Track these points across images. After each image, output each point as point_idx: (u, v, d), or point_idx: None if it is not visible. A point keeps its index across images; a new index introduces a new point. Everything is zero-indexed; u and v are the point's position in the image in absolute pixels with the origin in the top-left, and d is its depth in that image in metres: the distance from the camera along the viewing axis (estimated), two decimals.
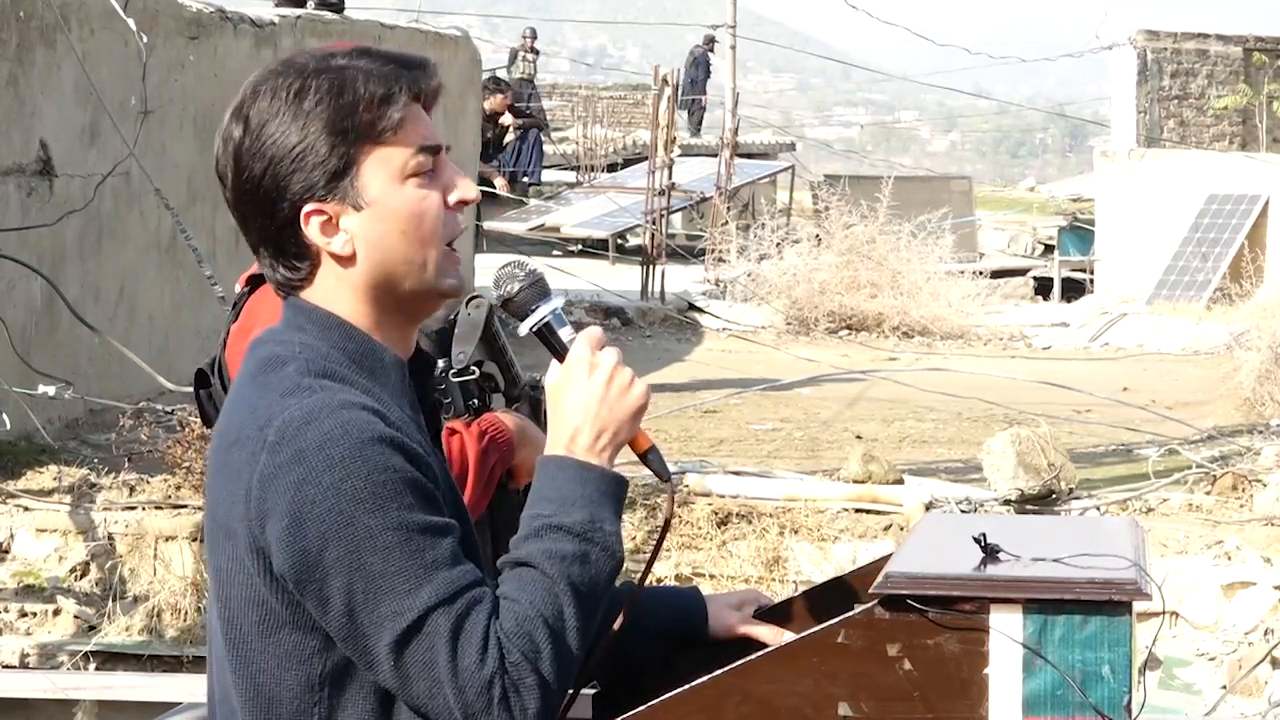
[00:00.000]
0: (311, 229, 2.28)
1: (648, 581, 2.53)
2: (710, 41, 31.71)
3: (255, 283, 3.33)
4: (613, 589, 2.32)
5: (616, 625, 2.38)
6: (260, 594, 2.21)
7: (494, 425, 3.54)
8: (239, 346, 3.27)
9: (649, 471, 2.41)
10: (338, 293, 2.31)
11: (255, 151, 2.28)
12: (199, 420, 8.49)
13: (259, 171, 2.28)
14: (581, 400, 2.30)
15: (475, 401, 3.64)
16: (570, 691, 2.28)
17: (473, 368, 3.63)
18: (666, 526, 2.52)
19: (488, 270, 4.68)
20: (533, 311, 2.37)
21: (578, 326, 2.37)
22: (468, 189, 2.34)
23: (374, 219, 2.28)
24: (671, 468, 2.36)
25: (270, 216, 2.30)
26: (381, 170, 2.28)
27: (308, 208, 2.28)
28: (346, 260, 2.29)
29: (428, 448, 2.27)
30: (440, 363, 3.49)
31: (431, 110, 2.34)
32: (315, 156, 2.26)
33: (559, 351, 2.35)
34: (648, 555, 7.82)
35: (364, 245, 2.28)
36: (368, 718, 2.22)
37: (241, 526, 2.21)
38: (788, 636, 2.41)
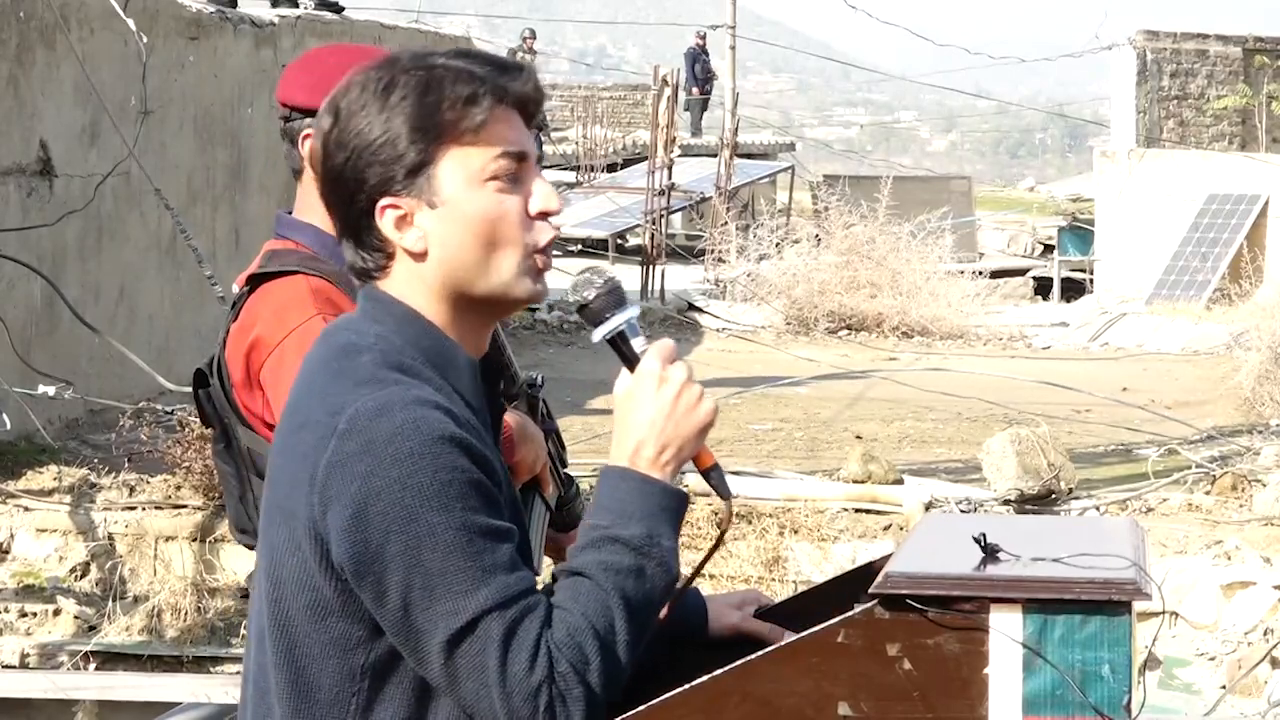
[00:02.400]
0: (385, 222, 2.29)
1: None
2: (702, 37, 31.75)
3: (255, 282, 3.33)
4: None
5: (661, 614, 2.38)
6: (313, 579, 2.22)
7: None
8: (239, 345, 3.27)
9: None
10: (412, 287, 2.31)
11: (340, 141, 2.29)
12: (199, 420, 8.51)
13: (341, 161, 2.29)
14: (648, 414, 2.29)
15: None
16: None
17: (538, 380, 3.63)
18: (720, 540, 2.51)
19: None
20: (606, 320, 2.36)
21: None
22: (549, 199, 2.32)
23: (446, 218, 2.28)
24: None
25: (349, 205, 2.30)
26: (459, 170, 2.28)
27: (383, 201, 2.28)
28: (419, 256, 2.29)
29: (493, 451, 2.28)
30: None
31: (531, 117, 2.34)
32: (394, 150, 2.27)
33: (630, 361, 2.34)
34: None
35: (436, 243, 2.29)
36: (404, 712, 2.23)
37: (303, 509, 2.21)
38: (788, 636, 2.41)
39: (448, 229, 2.28)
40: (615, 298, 2.37)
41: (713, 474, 2.37)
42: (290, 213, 3.45)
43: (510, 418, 3.63)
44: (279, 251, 3.36)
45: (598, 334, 2.37)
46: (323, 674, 2.24)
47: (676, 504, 2.29)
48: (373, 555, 2.16)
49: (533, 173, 2.34)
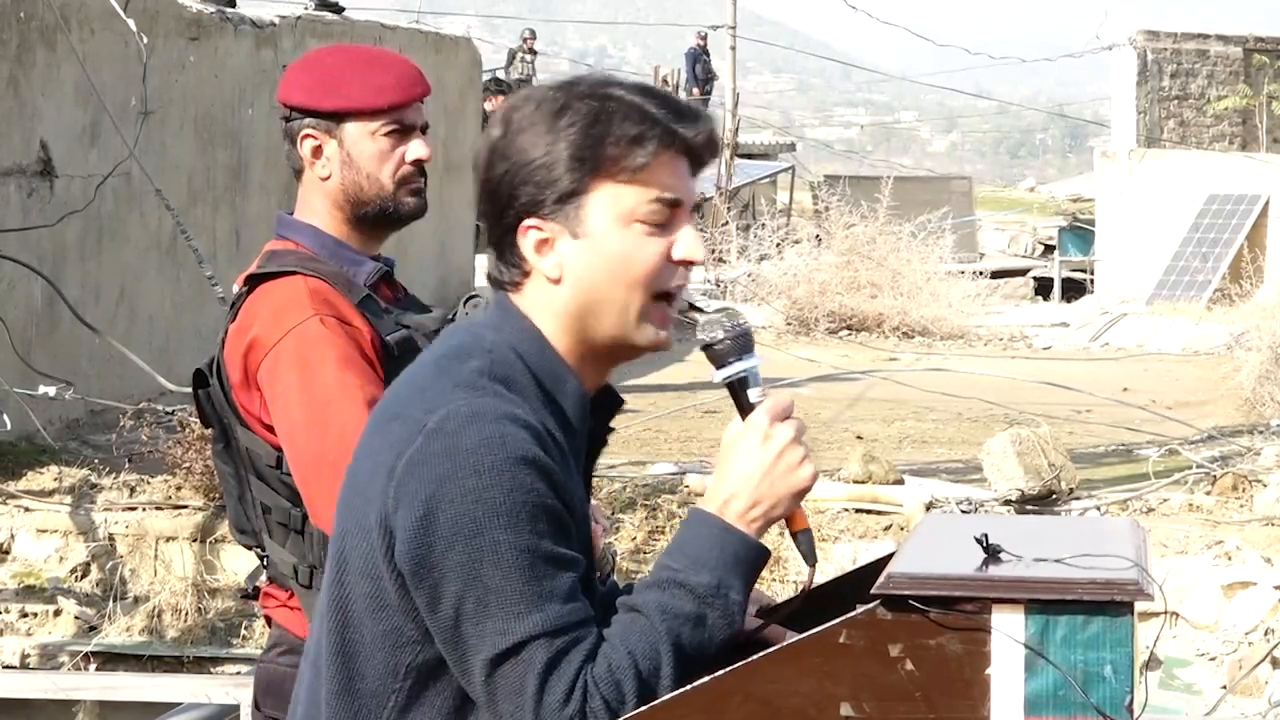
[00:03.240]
0: (526, 242, 2.30)
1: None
2: (703, 37, 31.77)
3: (254, 282, 3.32)
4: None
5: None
6: (377, 568, 2.23)
7: None
8: (237, 346, 3.26)
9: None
10: (540, 308, 2.32)
11: (503, 154, 2.30)
12: (198, 421, 8.51)
13: (500, 173, 2.30)
14: (747, 467, 2.30)
15: None
16: None
17: None
18: (802, 596, 2.50)
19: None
20: (729, 364, 2.37)
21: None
22: (695, 249, 2.32)
23: (587, 250, 2.29)
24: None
25: (498, 218, 2.32)
26: (610, 207, 2.28)
27: (528, 221, 2.29)
28: (554, 282, 2.30)
29: (575, 481, 2.28)
30: None
31: (699, 165, 2.33)
32: (550, 174, 2.27)
33: (744, 409, 2.36)
34: (646, 554, 7.81)
35: (571, 273, 2.29)
36: (440, 718, 2.24)
37: (378, 500, 2.22)
38: (790, 636, 2.41)
39: (586, 261, 2.29)
40: (742, 343, 2.39)
41: (801, 538, 2.39)
42: (291, 213, 3.44)
43: None
44: (278, 252, 3.35)
45: (718, 376, 2.39)
46: (369, 664, 2.25)
47: (754, 558, 2.30)
48: (434, 561, 2.17)
49: (685, 220, 2.33)
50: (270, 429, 3.21)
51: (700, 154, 2.33)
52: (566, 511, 2.22)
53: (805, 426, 2.36)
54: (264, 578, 3.36)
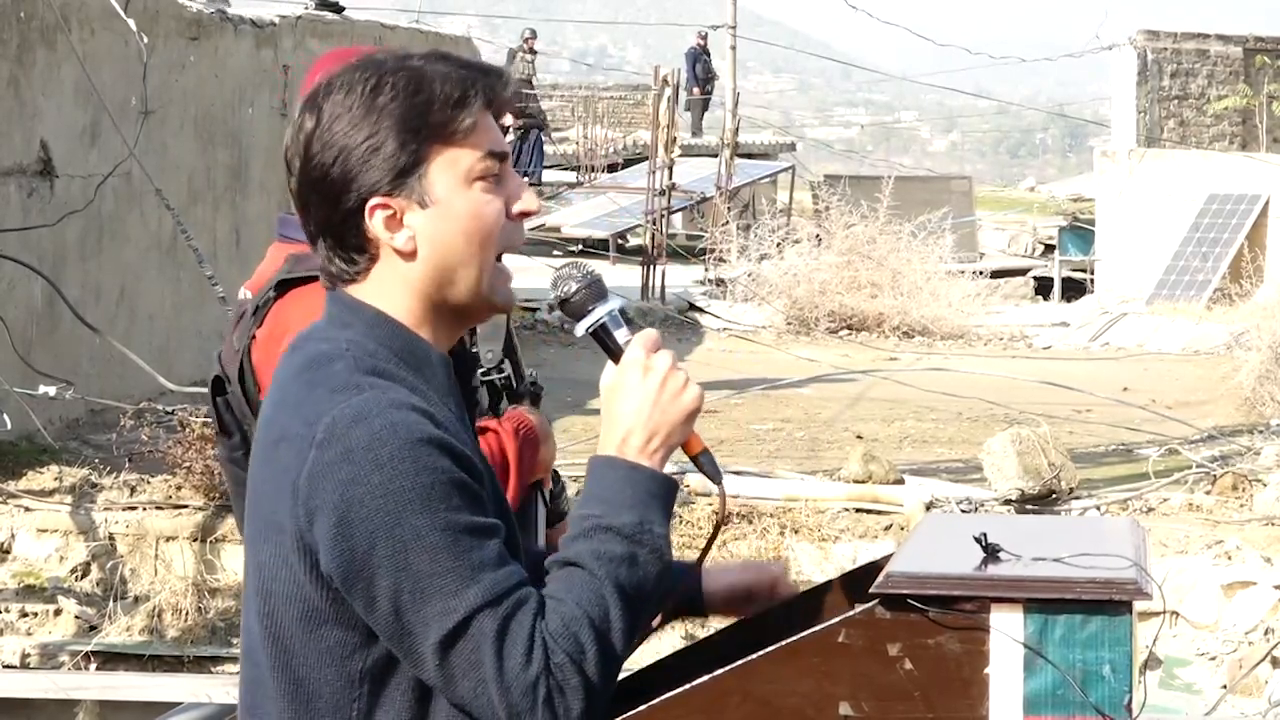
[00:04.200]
0: (375, 222, 2.30)
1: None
2: (703, 37, 31.76)
3: (283, 288, 3.30)
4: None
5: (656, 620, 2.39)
6: (304, 590, 2.22)
7: (523, 422, 3.55)
8: (269, 352, 3.23)
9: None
10: (391, 288, 2.32)
11: (327, 142, 2.29)
12: (201, 422, 8.52)
13: (329, 161, 2.29)
14: (634, 402, 2.30)
15: (504, 401, 3.65)
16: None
17: (503, 366, 3.64)
18: (719, 526, 2.52)
19: None
20: (590, 312, 2.38)
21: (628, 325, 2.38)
22: (530, 200, 2.35)
23: (438, 218, 2.30)
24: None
25: (335, 207, 2.31)
26: (449, 170, 2.29)
27: (373, 201, 2.29)
28: (407, 256, 2.30)
29: (473, 447, 2.29)
30: None
31: (500, 119, 2.36)
32: (386, 151, 2.28)
33: (614, 353, 2.35)
34: None
35: (426, 243, 2.30)
36: (405, 714, 2.23)
37: (289, 523, 2.22)
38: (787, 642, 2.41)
39: (439, 228, 2.29)
40: (596, 291, 2.39)
41: (702, 458, 2.38)
42: (293, 214, 3.43)
43: (533, 416, 3.64)
44: (303, 256, 3.33)
45: (580, 327, 2.38)
46: (322, 683, 2.24)
47: (666, 491, 2.29)
48: (360, 562, 2.17)
49: (512, 174, 2.36)
50: None
51: (505, 106, 2.36)
52: (475, 480, 2.22)
53: (677, 355, 2.36)
54: None
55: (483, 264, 2.31)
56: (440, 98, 2.28)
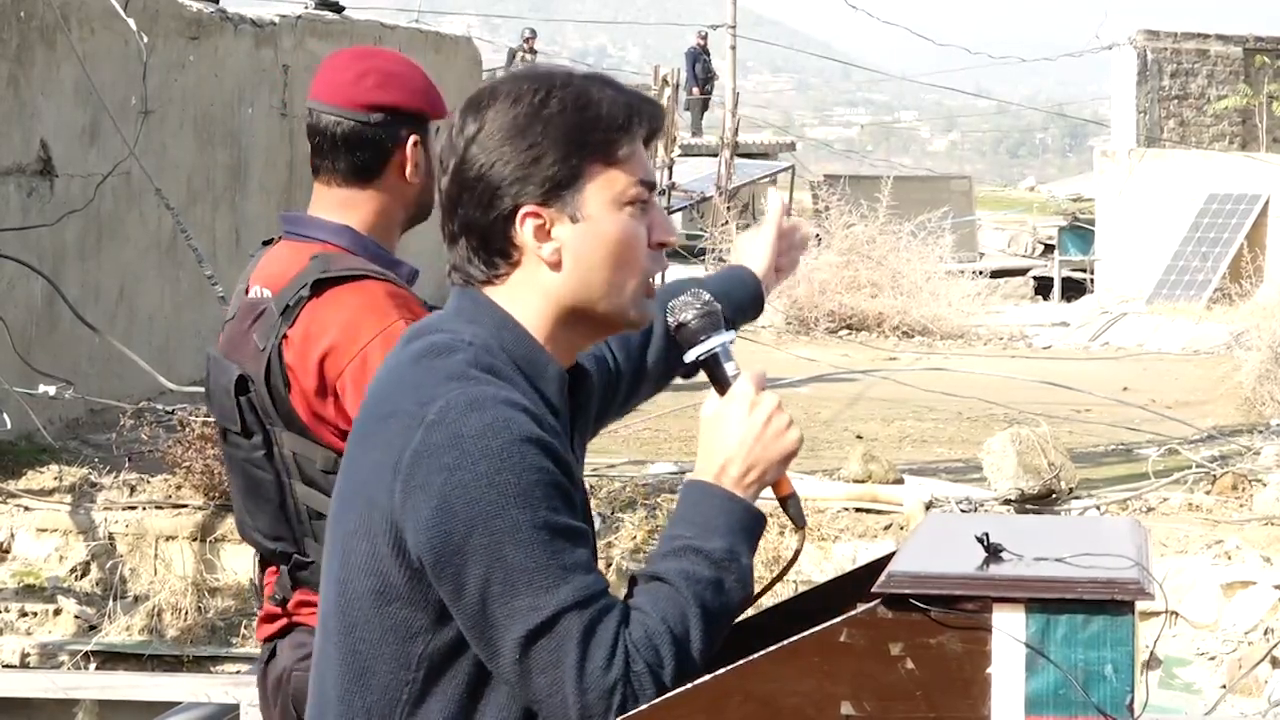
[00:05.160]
0: (525, 230, 2.32)
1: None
2: (703, 37, 31.78)
3: (319, 287, 3.27)
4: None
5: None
6: (383, 564, 2.24)
7: None
8: (306, 352, 3.20)
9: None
10: (526, 295, 2.35)
11: (488, 145, 2.32)
12: (201, 422, 8.51)
13: (488, 164, 2.32)
14: (739, 434, 2.35)
15: None
16: None
17: None
18: (791, 564, 2.56)
19: None
20: (701, 341, 2.42)
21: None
22: (670, 232, 2.41)
23: (586, 234, 2.33)
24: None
25: (486, 210, 2.33)
26: (605, 191, 2.33)
27: (526, 208, 2.31)
28: (552, 267, 2.33)
29: (574, 458, 2.32)
30: None
31: (652, 151, 2.42)
32: (546, 161, 2.30)
33: (721, 384, 2.40)
34: (646, 554, 7.80)
35: (571, 257, 2.33)
36: (455, 706, 2.25)
37: (383, 496, 2.23)
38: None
39: (586, 244, 2.33)
40: (712, 320, 2.43)
41: (790, 502, 2.44)
42: (296, 212, 3.43)
43: None
44: (333, 255, 3.31)
45: (691, 354, 2.43)
46: (379, 659, 2.26)
47: (757, 524, 2.34)
48: (455, 548, 2.19)
49: (657, 205, 2.41)
50: (344, 435, 3.16)
51: (655, 138, 2.41)
52: (573, 487, 2.25)
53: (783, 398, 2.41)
54: (287, 586, 3.33)
55: (623, 286, 2.35)
56: (606, 119, 2.32)
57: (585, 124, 2.31)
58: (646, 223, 2.36)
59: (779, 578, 2.52)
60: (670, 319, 2.45)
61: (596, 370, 2.61)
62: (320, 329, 3.22)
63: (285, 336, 3.25)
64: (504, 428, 2.20)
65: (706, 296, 2.44)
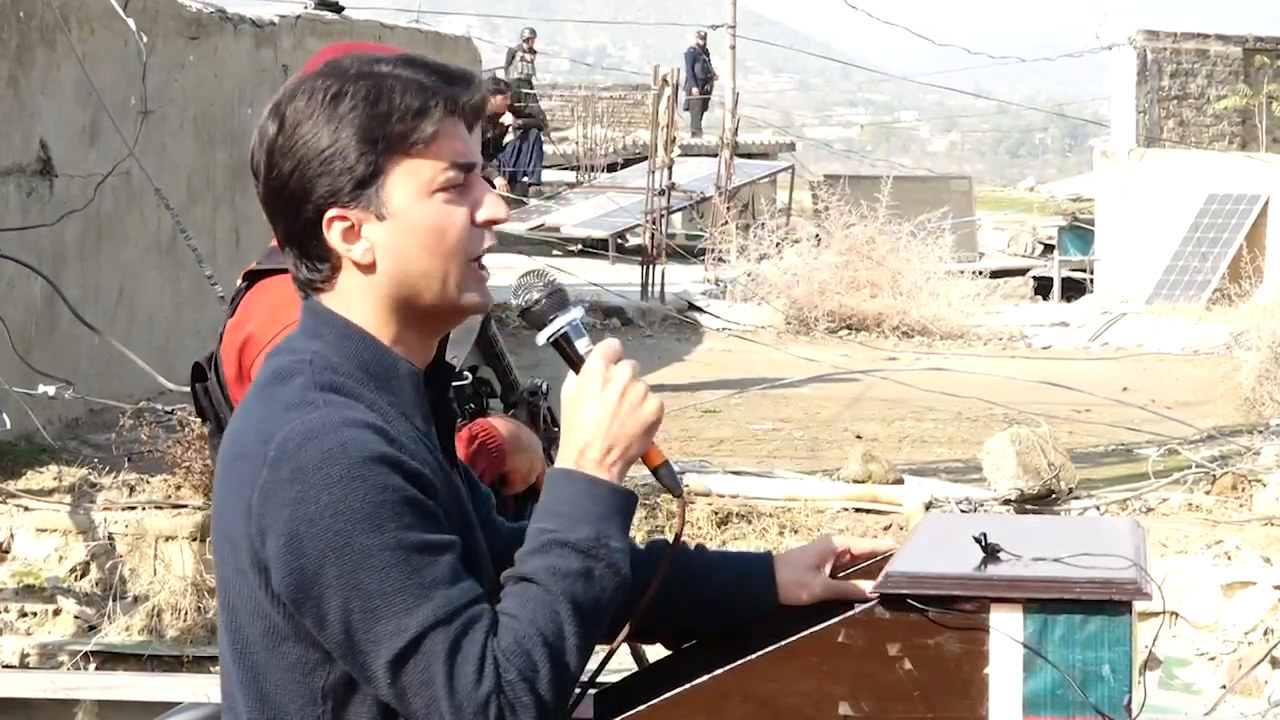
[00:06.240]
0: (333, 234, 2.28)
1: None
2: (703, 37, 31.77)
3: (252, 278, 3.33)
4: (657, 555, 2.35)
5: (650, 591, 2.36)
6: (263, 607, 2.22)
7: (485, 430, 3.55)
8: (233, 340, 3.29)
9: (642, 479, 2.40)
10: (357, 299, 2.30)
11: (286, 150, 2.27)
12: (198, 418, 8.51)
13: (288, 170, 2.27)
14: (593, 414, 2.28)
15: (471, 406, 3.63)
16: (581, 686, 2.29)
17: (466, 373, 3.63)
18: (678, 540, 2.48)
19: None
20: (550, 322, 2.35)
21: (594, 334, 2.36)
22: (497, 208, 2.32)
23: (396, 230, 2.27)
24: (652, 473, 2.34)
25: (295, 216, 2.29)
26: (409, 182, 2.27)
27: (331, 212, 2.27)
28: (366, 268, 2.28)
29: (433, 463, 2.26)
30: None
31: (473, 127, 2.33)
32: (343, 162, 2.25)
33: (575, 363, 2.33)
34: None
35: (384, 255, 2.28)
36: None
37: (244, 540, 2.21)
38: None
39: (396, 240, 2.27)
40: (557, 300, 2.36)
41: (662, 471, 2.36)
42: None
43: (504, 426, 3.63)
44: (276, 250, 3.36)
45: (542, 337, 2.36)
46: (288, 699, 2.24)
47: (624, 504, 2.27)
48: (310, 581, 2.16)
49: (478, 182, 2.32)
50: None
51: (475, 115, 2.32)
52: (429, 496, 2.20)
53: (638, 365, 2.33)
54: None
55: (446, 275, 2.28)
56: (400, 108, 2.25)
57: (378, 117, 2.24)
58: (468, 204, 2.29)
59: (670, 559, 2.44)
60: (515, 302, 2.38)
61: None
62: (245, 317, 3.27)
63: (225, 326, 3.31)
64: (343, 452, 2.15)
65: (550, 276, 2.38)
